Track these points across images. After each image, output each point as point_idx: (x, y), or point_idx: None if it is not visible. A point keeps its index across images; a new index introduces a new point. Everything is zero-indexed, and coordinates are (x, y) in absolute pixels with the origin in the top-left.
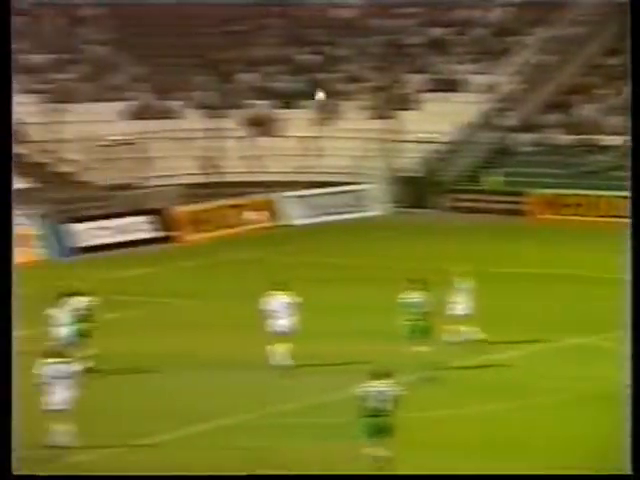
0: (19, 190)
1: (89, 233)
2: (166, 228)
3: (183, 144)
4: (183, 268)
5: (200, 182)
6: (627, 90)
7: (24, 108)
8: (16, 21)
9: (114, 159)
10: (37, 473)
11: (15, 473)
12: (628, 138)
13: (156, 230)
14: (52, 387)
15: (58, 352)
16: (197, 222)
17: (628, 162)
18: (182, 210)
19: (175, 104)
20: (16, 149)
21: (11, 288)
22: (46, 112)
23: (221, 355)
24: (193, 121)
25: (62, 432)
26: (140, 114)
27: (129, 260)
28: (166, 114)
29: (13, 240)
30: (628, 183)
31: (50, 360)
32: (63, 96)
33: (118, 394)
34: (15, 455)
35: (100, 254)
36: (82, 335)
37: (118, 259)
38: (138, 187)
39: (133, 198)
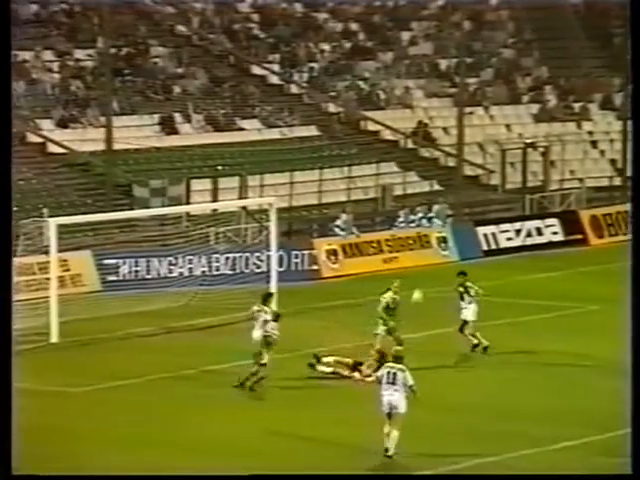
0: (425, 192)
1: (494, 236)
2: (572, 231)
3: (590, 146)
4: (590, 272)
5: (607, 185)
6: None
7: (433, 112)
8: (421, 26)
9: (521, 162)
10: (37, 473)
11: (15, 473)
12: None
13: (562, 233)
14: (385, 390)
15: (399, 356)
16: (604, 225)
17: None
18: (589, 213)
19: (583, 106)
20: (423, 152)
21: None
22: (454, 115)
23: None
24: (601, 123)
25: (390, 437)
26: (548, 117)
27: (534, 263)
28: (574, 116)
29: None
30: None
31: (390, 364)
32: (470, 99)
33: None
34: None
35: (505, 257)
36: None
37: (523, 262)
38: (545, 190)
39: (539, 201)
